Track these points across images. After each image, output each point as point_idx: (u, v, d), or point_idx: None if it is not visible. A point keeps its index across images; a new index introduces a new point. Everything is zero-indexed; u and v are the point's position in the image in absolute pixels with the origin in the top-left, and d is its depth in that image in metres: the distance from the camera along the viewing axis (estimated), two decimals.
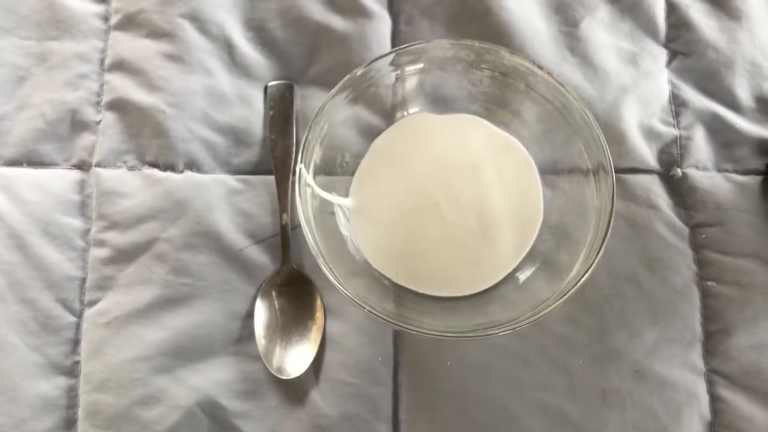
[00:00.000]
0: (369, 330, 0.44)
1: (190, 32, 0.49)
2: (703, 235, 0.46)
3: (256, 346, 0.44)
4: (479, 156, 0.46)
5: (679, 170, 0.48)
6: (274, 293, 0.45)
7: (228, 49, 0.50)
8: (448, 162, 0.46)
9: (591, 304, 0.45)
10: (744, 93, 0.50)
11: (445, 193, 0.45)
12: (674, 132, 0.49)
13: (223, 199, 0.46)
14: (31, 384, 0.43)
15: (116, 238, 0.45)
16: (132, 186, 0.46)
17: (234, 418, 0.43)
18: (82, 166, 0.47)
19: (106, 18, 0.50)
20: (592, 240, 0.41)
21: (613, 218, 0.39)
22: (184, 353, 0.44)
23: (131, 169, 0.47)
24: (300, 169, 0.41)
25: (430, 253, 0.45)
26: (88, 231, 0.46)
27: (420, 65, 0.45)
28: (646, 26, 0.51)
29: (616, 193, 0.40)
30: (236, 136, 0.48)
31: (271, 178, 0.47)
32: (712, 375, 0.44)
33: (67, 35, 0.49)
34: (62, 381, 0.44)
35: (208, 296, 0.45)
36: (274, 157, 0.47)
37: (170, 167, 0.47)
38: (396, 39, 0.50)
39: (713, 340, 0.45)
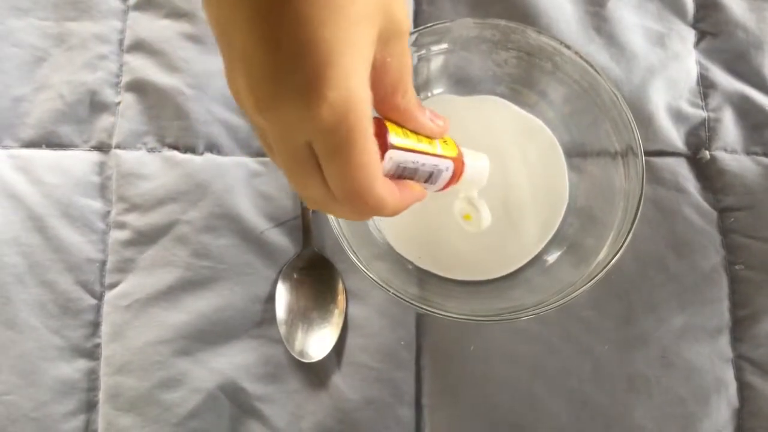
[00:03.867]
0: (391, 314, 0.44)
1: None
2: (732, 219, 0.46)
3: (277, 330, 0.43)
4: (504, 138, 0.45)
5: (707, 153, 0.47)
6: (295, 276, 0.44)
7: None
8: (471, 144, 0.45)
9: (617, 289, 0.44)
10: None
11: None
12: (702, 114, 0.48)
13: (243, 181, 0.46)
14: (52, 367, 0.43)
15: (136, 220, 0.45)
16: (152, 168, 0.46)
17: (256, 402, 0.43)
18: (102, 147, 0.47)
19: None
20: (619, 224, 0.40)
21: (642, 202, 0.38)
22: (206, 336, 0.43)
23: (151, 150, 0.46)
24: None
25: (454, 237, 0.44)
26: (108, 213, 0.46)
27: (444, 45, 0.44)
28: (674, 6, 0.50)
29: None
30: None
31: None
32: (740, 361, 0.44)
33: (85, 15, 0.49)
34: (83, 364, 0.43)
35: (228, 279, 0.44)
36: None
37: (190, 149, 0.46)
38: (418, 19, 0.50)
39: (741, 325, 0.44)
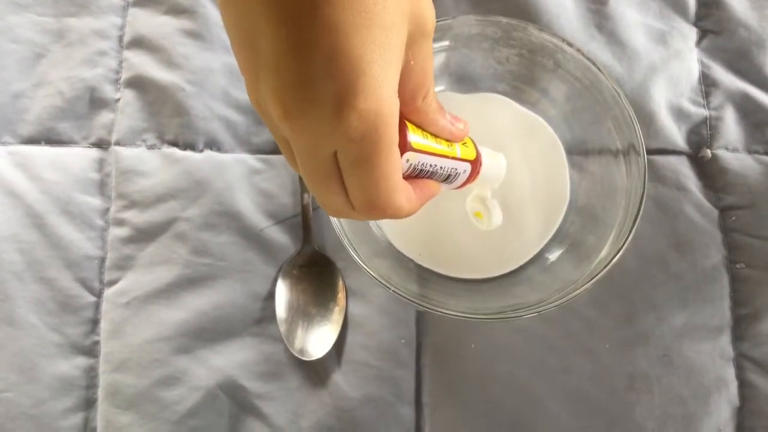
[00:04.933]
0: (392, 312, 0.44)
1: (210, 8, 0.48)
2: (733, 218, 0.46)
3: (277, 328, 0.43)
4: (505, 136, 0.45)
5: (708, 151, 0.47)
6: (295, 274, 0.44)
7: None
8: None
9: (618, 287, 0.44)
10: None
11: None
12: (704, 112, 0.48)
13: (243, 178, 0.46)
14: (50, 364, 0.43)
15: (136, 217, 0.45)
16: (151, 165, 0.46)
17: (255, 400, 0.43)
18: (101, 144, 0.47)
19: None
20: (621, 222, 0.40)
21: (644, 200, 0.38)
22: (205, 334, 0.43)
23: (151, 147, 0.46)
24: None
25: (454, 235, 0.44)
26: (107, 210, 0.46)
27: (445, 42, 0.44)
28: (676, 4, 0.50)
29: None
30: (256, 114, 0.47)
31: None
32: (741, 360, 0.44)
33: (85, 11, 0.49)
34: (81, 361, 0.43)
35: (228, 277, 0.44)
36: None
37: (190, 146, 0.46)
38: None
39: (742, 324, 0.44)
